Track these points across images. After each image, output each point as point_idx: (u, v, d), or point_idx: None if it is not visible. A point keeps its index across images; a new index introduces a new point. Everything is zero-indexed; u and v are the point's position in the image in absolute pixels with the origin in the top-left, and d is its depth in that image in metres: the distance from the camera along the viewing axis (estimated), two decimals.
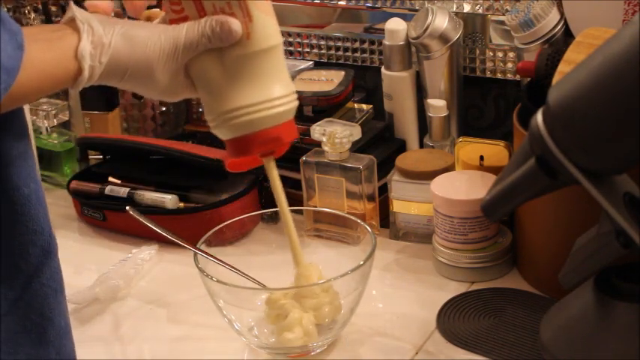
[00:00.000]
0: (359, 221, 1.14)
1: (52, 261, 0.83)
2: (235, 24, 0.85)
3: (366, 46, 1.43)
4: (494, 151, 1.22)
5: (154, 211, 1.30)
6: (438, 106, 1.29)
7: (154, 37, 0.84)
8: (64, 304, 0.86)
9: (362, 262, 1.04)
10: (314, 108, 1.32)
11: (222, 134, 0.90)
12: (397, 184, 1.25)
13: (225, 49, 0.86)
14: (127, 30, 0.84)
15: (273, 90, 0.88)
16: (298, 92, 1.30)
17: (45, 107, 1.50)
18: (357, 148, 1.28)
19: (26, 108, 1.45)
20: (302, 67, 1.42)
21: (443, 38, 1.28)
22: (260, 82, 0.88)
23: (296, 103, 0.91)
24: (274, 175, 0.99)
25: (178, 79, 0.87)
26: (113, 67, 0.83)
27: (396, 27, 1.32)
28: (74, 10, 0.82)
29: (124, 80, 0.85)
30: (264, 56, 0.88)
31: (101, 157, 1.44)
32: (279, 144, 0.91)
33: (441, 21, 1.28)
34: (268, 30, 0.88)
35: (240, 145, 0.90)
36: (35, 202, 0.82)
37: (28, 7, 0.93)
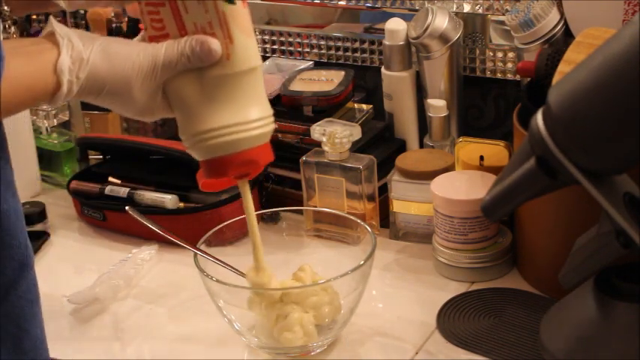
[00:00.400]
0: (359, 221, 1.14)
1: (28, 273, 0.84)
2: (215, 44, 0.85)
3: (366, 46, 1.43)
4: (494, 151, 1.22)
5: (153, 211, 1.30)
6: (438, 106, 1.29)
7: (133, 54, 0.84)
8: (40, 315, 0.86)
9: (362, 262, 1.04)
10: (314, 108, 1.32)
11: (197, 155, 0.89)
12: (397, 184, 1.25)
13: (204, 69, 0.85)
14: (107, 46, 0.83)
15: (251, 112, 0.88)
16: (298, 92, 1.32)
17: (45, 107, 1.50)
18: (357, 148, 1.28)
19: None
20: (302, 67, 1.42)
21: (443, 38, 1.28)
22: (238, 103, 0.87)
23: (272, 127, 0.90)
24: (248, 197, 0.98)
25: (156, 98, 0.86)
26: (91, 82, 0.82)
27: (396, 27, 1.32)
28: (54, 24, 0.81)
29: (101, 97, 0.84)
30: (243, 78, 0.87)
31: (101, 157, 1.44)
32: (255, 167, 0.91)
33: (441, 21, 1.28)
34: (249, 52, 0.87)
35: (214, 166, 0.89)
36: (13, 218, 0.81)
37: (9, 22, 0.93)
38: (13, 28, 0.98)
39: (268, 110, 0.90)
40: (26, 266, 0.83)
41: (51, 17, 0.83)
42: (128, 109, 0.86)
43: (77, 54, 0.81)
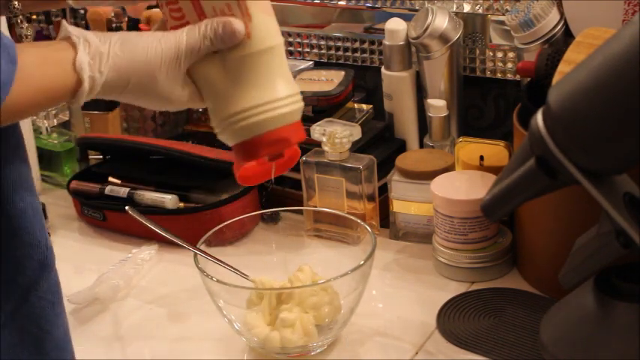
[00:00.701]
0: (359, 221, 1.14)
1: (49, 274, 0.83)
2: (238, 24, 0.84)
3: (366, 46, 1.43)
4: (494, 151, 1.22)
5: (153, 211, 1.30)
6: (438, 106, 1.29)
7: (153, 44, 0.83)
8: (63, 316, 0.86)
9: (362, 262, 1.04)
10: (314, 108, 1.32)
11: (228, 139, 0.89)
12: (397, 184, 1.25)
13: (226, 51, 0.85)
14: (125, 39, 0.82)
15: (277, 90, 0.88)
16: None
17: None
18: (357, 148, 1.28)
19: None
20: (302, 67, 1.42)
21: (443, 38, 1.28)
22: (263, 83, 0.87)
23: (301, 104, 0.90)
24: None
25: (183, 86, 0.85)
26: (115, 77, 0.81)
27: (396, 27, 1.32)
28: (67, 27, 0.81)
29: (126, 91, 0.82)
30: (266, 56, 0.87)
31: (101, 157, 1.44)
32: (286, 145, 0.90)
33: (441, 21, 1.28)
34: (269, 29, 0.87)
35: (247, 148, 0.88)
36: (31, 216, 0.81)
37: (20, 17, 0.93)
38: (26, 25, 0.98)
39: (295, 88, 0.89)
40: (46, 266, 0.82)
41: (63, 22, 0.82)
42: (155, 101, 0.85)
43: (95, 49, 0.80)
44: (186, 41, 0.84)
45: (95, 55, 0.80)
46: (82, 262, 1.31)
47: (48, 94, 0.78)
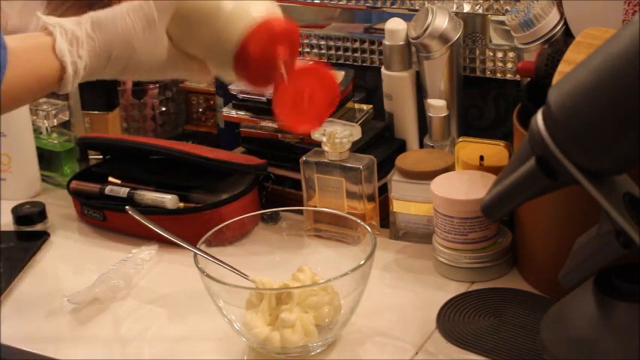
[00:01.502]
0: (359, 221, 1.14)
1: None
2: None
3: (366, 46, 1.43)
4: (494, 151, 1.22)
5: (154, 211, 1.30)
6: (438, 106, 1.29)
7: (122, 14, 0.85)
8: None
9: (362, 262, 1.04)
10: None
11: (229, 53, 0.91)
12: (397, 184, 1.25)
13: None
14: (95, 19, 0.85)
15: None
16: None
17: (45, 107, 1.50)
18: (357, 148, 1.28)
19: (26, 108, 1.46)
20: None
21: (443, 38, 1.28)
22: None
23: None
24: None
25: (163, 50, 0.87)
26: (95, 56, 0.83)
27: (396, 27, 1.32)
28: (43, 18, 0.83)
29: (109, 67, 0.85)
30: None
31: (101, 157, 1.44)
32: (274, 34, 0.92)
33: (441, 21, 1.28)
34: None
35: (247, 54, 0.91)
36: None
37: None
38: None
39: None
40: None
41: (38, 13, 0.85)
42: (140, 70, 0.87)
43: (72, 35, 0.82)
44: (154, 3, 0.86)
45: (72, 40, 0.82)
46: (82, 262, 1.31)
47: (38, 78, 0.81)
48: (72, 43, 0.82)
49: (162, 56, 0.87)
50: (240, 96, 1.36)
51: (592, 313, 0.92)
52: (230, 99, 1.39)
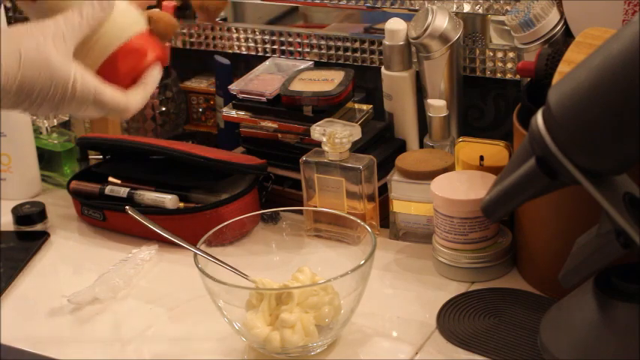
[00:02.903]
0: (359, 221, 1.14)
1: None
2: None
3: (366, 46, 1.43)
4: (494, 151, 1.22)
5: (153, 211, 1.30)
6: (438, 106, 1.29)
7: (35, 36, 0.88)
8: None
9: (362, 262, 1.04)
10: (314, 108, 1.32)
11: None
12: (397, 184, 1.25)
13: None
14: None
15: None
16: (298, 92, 1.32)
17: None
18: (357, 148, 1.28)
19: None
20: (302, 67, 1.42)
21: (443, 38, 1.28)
22: None
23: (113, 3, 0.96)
24: None
25: (74, 66, 0.89)
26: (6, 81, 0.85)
27: (396, 27, 1.32)
28: None
29: (23, 88, 0.87)
30: None
31: (101, 157, 1.44)
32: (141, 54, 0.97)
33: (441, 21, 1.28)
34: None
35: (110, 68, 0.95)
36: None
37: None
38: None
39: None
40: None
41: None
42: (57, 89, 0.89)
43: None
44: (63, 21, 0.90)
45: None
46: (82, 262, 1.31)
47: None
48: None
49: (72, 69, 0.90)
50: (240, 96, 1.36)
51: (592, 313, 0.92)
52: (230, 99, 1.39)
